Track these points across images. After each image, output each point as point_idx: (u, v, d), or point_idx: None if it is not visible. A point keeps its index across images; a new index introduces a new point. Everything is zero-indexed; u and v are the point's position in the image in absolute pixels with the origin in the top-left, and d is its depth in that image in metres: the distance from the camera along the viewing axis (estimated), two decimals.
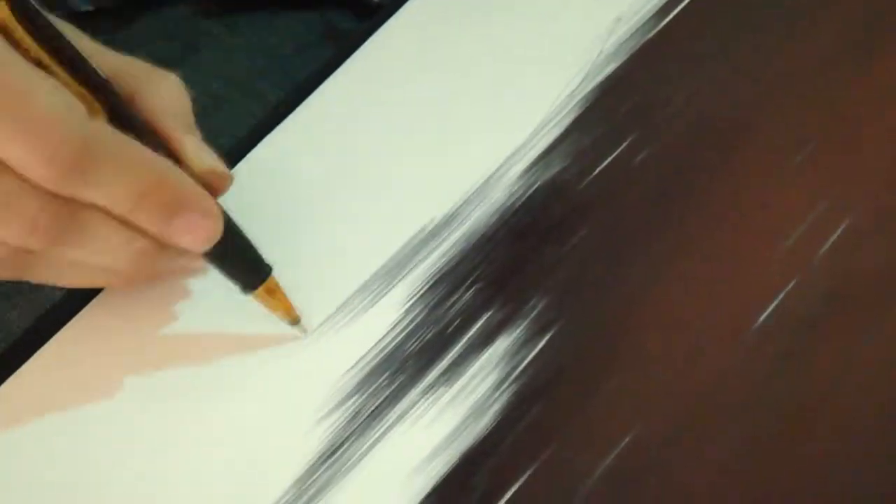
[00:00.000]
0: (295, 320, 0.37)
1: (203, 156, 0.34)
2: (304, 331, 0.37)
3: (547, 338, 0.36)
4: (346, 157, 0.41)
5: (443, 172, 0.40)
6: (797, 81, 0.43)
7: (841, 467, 0.34)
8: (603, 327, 0.37)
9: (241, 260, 0.36)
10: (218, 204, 0.34)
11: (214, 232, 0.33)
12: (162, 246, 0.33)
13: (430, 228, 0.39)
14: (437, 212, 0.39)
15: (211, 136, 0.46)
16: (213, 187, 0.35)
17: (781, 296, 0.37)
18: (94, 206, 0.31)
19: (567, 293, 0.37)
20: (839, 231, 0.38)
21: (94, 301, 0.38)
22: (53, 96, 0.29)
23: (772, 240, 0.38)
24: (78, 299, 0.38)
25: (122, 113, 0.32)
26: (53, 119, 0.28)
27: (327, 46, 0.51)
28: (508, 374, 0.36)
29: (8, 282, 0.42)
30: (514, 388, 0.35)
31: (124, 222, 0.32)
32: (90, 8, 0.49)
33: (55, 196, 0.30)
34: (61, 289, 0.37)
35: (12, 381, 0.36)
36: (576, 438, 0.35)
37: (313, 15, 0.52)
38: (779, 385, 0.35)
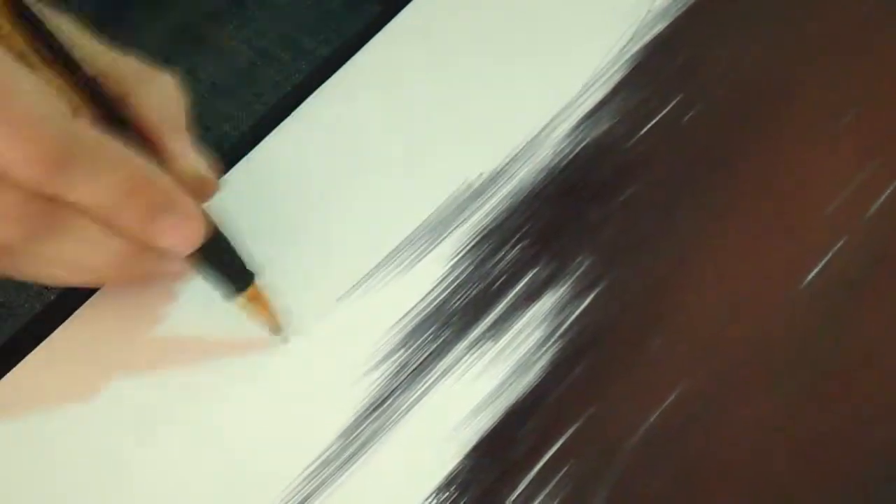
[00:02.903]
0: (276, 330, 0.36)
1: (191, 159, 0.34)
2: (284, 342, 0.36)
3: (592, 295, 0.37)
4: (395, 113, 0.41)
5: (491, 129, 0.40)
6: (844, 41, 0.42)
7: (883, 427, 0.34)
8: (648, 286, 0.37)
9: (224, 265, 0.35)
10: (202, 208, 0.33)
11: (196, 235, 0.33)
12: (144, 247, 0.33)
13: (477, 185, 0.39)
14: (485, 168, 0.39)
15: (259, 91, 0.47)
16: (200, 192, 0.34)
17: (828, 256, 0.37)
18: (75, 205, 0.30)
19: (613, 251, 0.37)
20: (887, 192, 0.38)
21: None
22: (37, 94, 0.28)
23: (819, 200, 0.38)
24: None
25: (110, 112, 0.32)
26: (36, 117, 0.28)
27: (375, 4, 0.51)
28: (554, 331, 0.36)
29: None
30: (559, 344, 0.36)
31: (108, 222, 0.31)
32: None
33: (36, 193, 0.29)
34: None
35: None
36: (620, 396, 0.35)
37: None
38: (824, 345, 0.35)
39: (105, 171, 0.30)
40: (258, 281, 0.35)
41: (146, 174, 0.31)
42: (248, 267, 0.35)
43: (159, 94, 0.34)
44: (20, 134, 0.28)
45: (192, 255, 0.33)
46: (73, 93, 0.31)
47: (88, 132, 0.30)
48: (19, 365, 0.36)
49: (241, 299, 0.35)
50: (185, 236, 0.32)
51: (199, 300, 0.37)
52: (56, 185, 0.29)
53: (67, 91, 0.31)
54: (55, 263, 0.33)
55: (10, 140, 0.28)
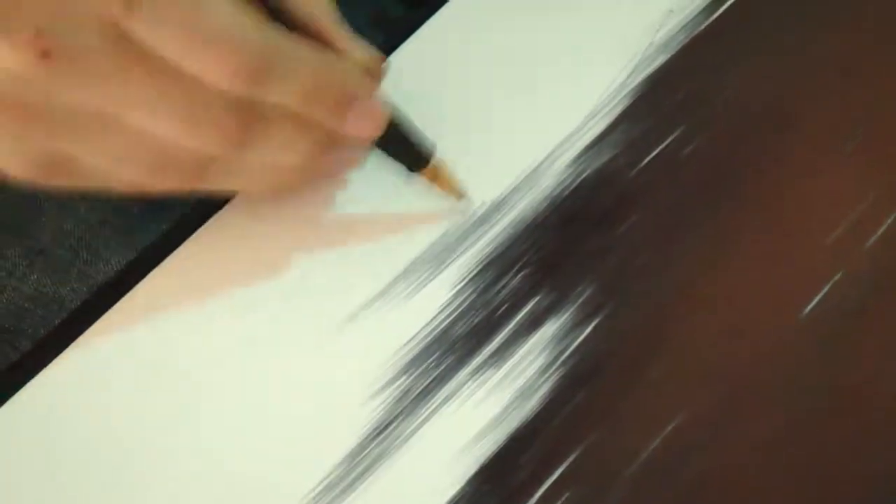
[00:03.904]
0: (461, 195, 0.39)
1: (360, 47, 0.35)
2: (472, 204, 0.40)
3: (594, 323, 0.37)
4: None
5: (493, 159, 0.41)
6: (845, 73, 0.43)
7: (883, 454, 0.34)
8: (649, 315, 0.37)
9: (406, 143, 0.37)
10: (380, 94, 0.35)
11: (383, 119, 0.35)
12: (335, 141, 0.35)
13: (480, 213, 0.39)
14: (487, 197, 0.40)
15: None
16: (374, 75, 0.36)
17: (829, 285, 0.37)
18: (273, 106, 0.32)
19: (614, 280, 0.38)
20: (888, 222, 0.38)
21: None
22: (229, 7, 0.30)
23: (820, 229, 0.38)
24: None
25: (279, 16, 0.33)
26: (232, 30, 0.29)
27: (376, 33, 0.51)
28: (555, 358, 0.36)
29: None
30: (560, 371, 0.36)
31: (302, 120, 0.33)
32: None
33: (238, 101, 0.31)
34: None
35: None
36: (620, 423, 0.35)
37: (363, 1, 0.53)
38: (824, 373, 0.36)
39: (299, 70, 0.32)
40: (434, 158, 0.38)
41: (333, 68, 0.33)
42: (426, 142, 0.38)
43: None
44: (222, 48, 0.29)
45: (380, 139, 0.35)
46: (251, 3, 0.32)
47: (279, 37, 0.31)
48: (25, 386, 0.37)
49: (427, 170, 0.38)
50: (373, 122, 0.34)
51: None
52: (257, 89, 0.31)
53: (248, 2, 0.31)
54: (252, 168, 0.34)
55: (212, 53, 0.29)
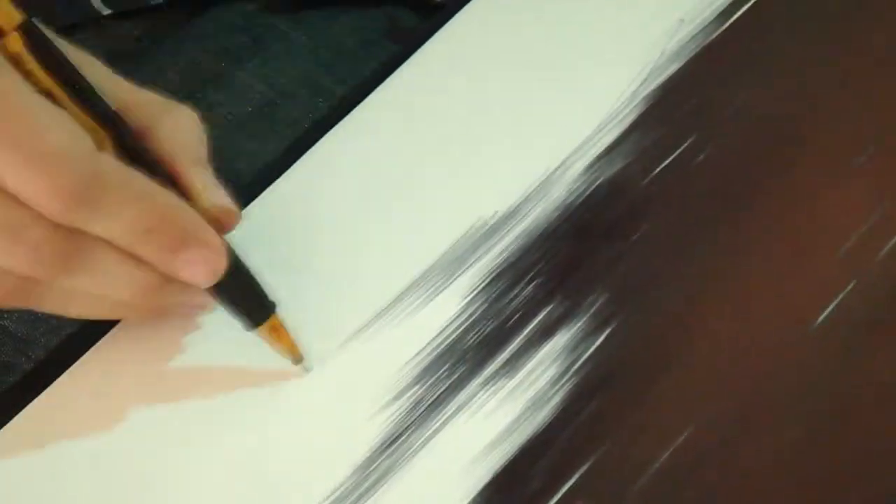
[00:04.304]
0: (297, 359, 0.36)
1: (212, 192, 0.34)
2: (307, 370, 0.37)
3: (606, 333, 0.37)
4: (409, 152, 0.42)
5: (505, 168, 0.41)
6: (857, 83, 0.43)
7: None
8: (661, 324, 0.37)
9: (245, 296, 0.35)
10: (224, 240, 0.34)
11: (219, 267, 0.33)
12: (167, 280, 0.33)
13: (492, 223, 0.39)
14: (499, 207, 0.40)
15: (278, 128, 0.48)
16: (221, 224, 0.34)
17: (840, 296, 0.37)
18: (99, 238, 0.31)
19: (626, 290, 0.38)
20: None
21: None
22: (63, 129, 0.29)
23: (832, 241, 0.38)
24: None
25: (132, 146, 0.32)
26: (62, 152, 0.28)
27: (390, 43, 0.52)
28: (567, 369, 0.36)
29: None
30: (572, 382, 0.36)
31: (129, 255, 0.32)
32: (161, 1, 0.50)
33: (61, 227, 0.30)
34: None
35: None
36: (633, 433, 0.35)
37: (376, 12, 0.53)
38: (835, 385, 0.35)
39: (129, 203, 0.30)
40: (278, 312, 0.36)
41: (170, 207, 0.32)
42: (268, 298, 0.36)
43: (180, 128, 0.34)
44: (46, 168, 0.28)
45: (213, 287, 0.34)
46: (98, 127, 0.31)
47: (113, 166, 0.30)
48: (39, 397, 0.37)
49: (262, 330, 0.36)
50: (208, 268, 0.33)
51: (220, 332, 0.37)
52: (81, 218, 0.30)
53: (91, 126, 0.31)
54: (79, 297, 0.33)
55: (36, 174, 0.28)
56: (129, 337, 0.38)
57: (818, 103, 0.42)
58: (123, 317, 0.38)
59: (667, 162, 0.41)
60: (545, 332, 0.37)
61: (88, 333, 0.38)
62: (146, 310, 0.36)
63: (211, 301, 0.36)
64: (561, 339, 0.37)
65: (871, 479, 0.34)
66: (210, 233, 0.33)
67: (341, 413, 0.36)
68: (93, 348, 0.38)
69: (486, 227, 0.39)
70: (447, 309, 0.38)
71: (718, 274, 0.38)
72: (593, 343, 0.37)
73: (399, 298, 0.38)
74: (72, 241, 0.30)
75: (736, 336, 0.37)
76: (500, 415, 0.35)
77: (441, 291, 0.38)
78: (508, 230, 0.39)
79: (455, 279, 0.38)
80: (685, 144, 0.41)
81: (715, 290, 0.38)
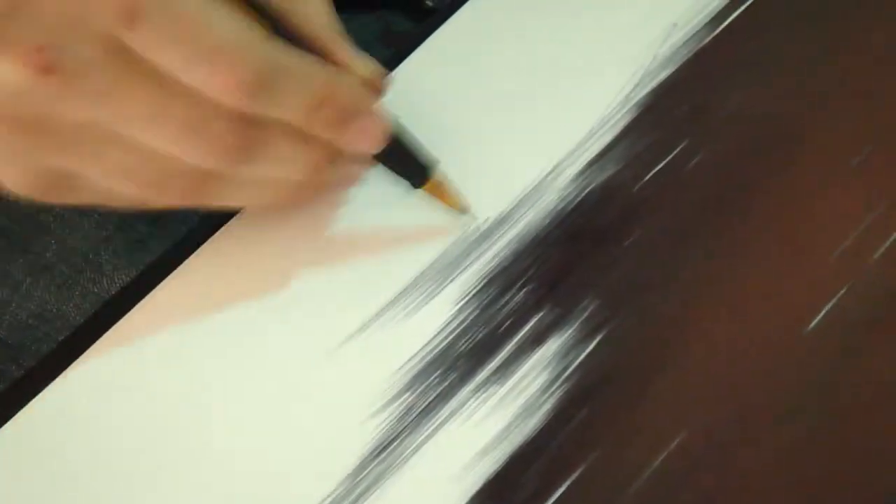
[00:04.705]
0: (465, 209, 0.39)
1: (362, 61, 0.35)
2: (475, 218, 0.39)
3: (597, 340, 0.37)
4: None
5: (496, 174, 0.41)
6: (851, 86, 0.43)
7: (892, 470, 0.34)
8: (654, 330, 0.37)
9: (408, 157, 0.37)
10: (381, 108, 0.35)
11: (384, 133, 0.35)
12: (336, 155, 0.35)
13: (483, 229, 0.39)
14: (491, 212, 0.40)
15: None
16: (375, 90, 0.36)
17: (836, 298, 0.37)
18: (275, 121, 0.32)
19: (618, 296, 0.38)
20: (894, 236, 0.38)
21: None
22: (232, 21, 0.30)
23: (827, 242, 0.38)
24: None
25: (282, 30, 0.33)
26: (234, 44, 0.29)
27: (383, 47, 0.51)
28: (559, 375, 0.36)
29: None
30: (563, 388, 0.36)
31: (302, 136, 0.33)
32: None
33: (240, 116, 0.31)
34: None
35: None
36: (625, 440, 0.35)
37: (369, 17, 0.53)
38: (831, 388, 0.35)
39: (301, 85, 0.32)
40: (436, 172, 0.38)
41: (335, 82, 0.33)
42: (428, 157, 0.38)
43: (314, 7, 0.35)
44: (223, 62, 0.29)
45: (380, 154, 0.35)
46: (253, 17, 0.32)
47: (282, 51, 0.31)
48: (29, 404, 0.37)
49: (430, 185, 0.38)
50: (376, 135, 0.35)
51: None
52: (259, 104, 0.31)
53: (250, 17, 0.31)
54: (253, 184, 0.34)
55: (215, 67, 0.29)
56: (117, 343, 0.38)
57: (812, 106, 0.42)
58: (293, 199, 0.38)
59: (659, 167, 0.40)
60: (537, 339, 0.37)
61: (77, 341, 0.38)
62: (315, 187, 0.38)
63: (365, 173, 0.39)
64: (552, 346, 0.37)
65: (869, 480, 0.34)
66: (372, 100, 0.34)
67: (332, 419, 0.36)
68: (80, 357, 0.38)
69: (478, 234, 0.39)
70: (439, 315, 0.38)
71: (712, 278, 0.38)
72: (585, 349, 0.37)
73: (390, 305, 0.38)
74: (251, 128, 0.31)
75: (731, 339, 0.37)
76: (491, 421, 0.35)
77: (433, 298, 0.38)
78: (500, 236, 0.39)
79: (446, 286, 0.38)
80: (678, 149, 0.41)
81: (709, 294, 0.38)
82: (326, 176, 0.35)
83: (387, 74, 0.36)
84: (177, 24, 0.28)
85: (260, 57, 0.30)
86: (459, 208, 0.39)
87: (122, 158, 0.31)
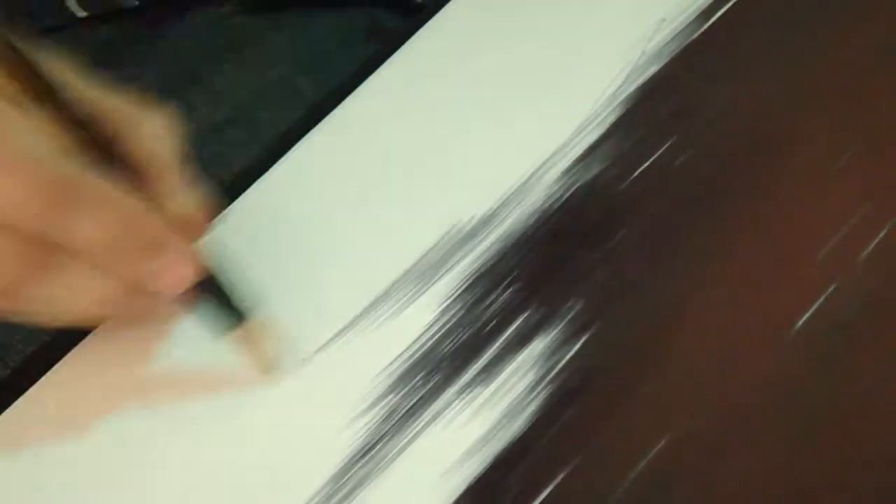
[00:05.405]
0: (265, 370, 0.36)
1: (184, 198, 0.34)
2: (275, 382, 0.36)
3: (583, 340, 0.37)
4: (385, 155, 0.42)
5: (482, 172, 0.40)
6: (840, 85, 0.42)
7: (877, 472, 0.34)
8: (639, 330, 0.37)
9: (217, 304, 0.35)
10: (194, 247, 0.33)
11: (187, 275, 0.33)
12: (137, 288, 0.33)
13: (468, 228, 0.39)
14: (476, 212, 0.39)
15: (255, 132, 0.47)
16: (192, 230, 0.34)
17: (821, 300, 0.37)
18: (66, 248, 0.30)
19: (604, 295, 0.37)
20: (880, 236, 0.38)
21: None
22: (29, 136, 0.29)
23: (812, 244, 0.38)
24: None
25: (102, 153, 0.32)
26: (28, 159, 0.28)
27: (370, 44, 0.51)
28: (544, 376, 0.36)
29: None
30: (549, 389, 0.36)
31: (97, 265, 0.31)
32: (136, 4, 0.50)
33: (30, 235, 0.29)
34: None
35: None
36: (610, 442, 0.35)
37: (357, 12, 0.53)
38: (817, 389, 0.35)
39: (97, 212, 0.30)
40: (251, 321, 0.35)
41: (137, 215, 0.31)
42: (243, 305, 0.35)
43: (151, 134, 0.34)
44: (14, 176, 0.28)
45: (184, 294, 0.33)
46: (65, 134, 0.31)
47: (81, 174, 0.30)
48: (15, 403, 0.36)
49: (232, 337, 0.35)
50: (176, 276, 0.33)
51: (193, 338, 0.37)
52: (49, 226, 0.29)
53: (59, 133, 0.31)
54: (50, 304, 0.33)
55: (3, 182, 0.28)
56: (105, 344, 0.38)
57: (800, 104, 0.42)
58: (94, 324, 0.37)
59: (646, 165, 0.40)
60: (522, 339, 0.37)
61: (64, 340, 0.38)
62: (117, 317, 0.36)
63: (182, 308, 0.35)
64: (538, 347, 0.36)
65: (855, 482, 0.34)
66: (177, 241, 0.32)
67: (315, 423, 0.35)
68: (68, 355, 0.38)
69: (463, 233, 0.39)
70: (423, 316, 0.37)
71: (698, 278, 0.38)
72: (570, 350, 0.36)
73: (373, 306, 0.38)
74: (41, 250, 0.30)
75: (715, 341, 0.36)
76: (476, 423, 0.35)
77: (417, 298, 0.38)
78: (485, 235, 0.39)
79: (431, 286, 0.38)
80: (664, 147, 0.41)
81: (695, 294, 0.37)
82: (131, 307, 0.34)
83: (208, 217, 0.35)
84: None
85: (54, 176, 0.29)
86: (262, 367, 0.36)
87: None
